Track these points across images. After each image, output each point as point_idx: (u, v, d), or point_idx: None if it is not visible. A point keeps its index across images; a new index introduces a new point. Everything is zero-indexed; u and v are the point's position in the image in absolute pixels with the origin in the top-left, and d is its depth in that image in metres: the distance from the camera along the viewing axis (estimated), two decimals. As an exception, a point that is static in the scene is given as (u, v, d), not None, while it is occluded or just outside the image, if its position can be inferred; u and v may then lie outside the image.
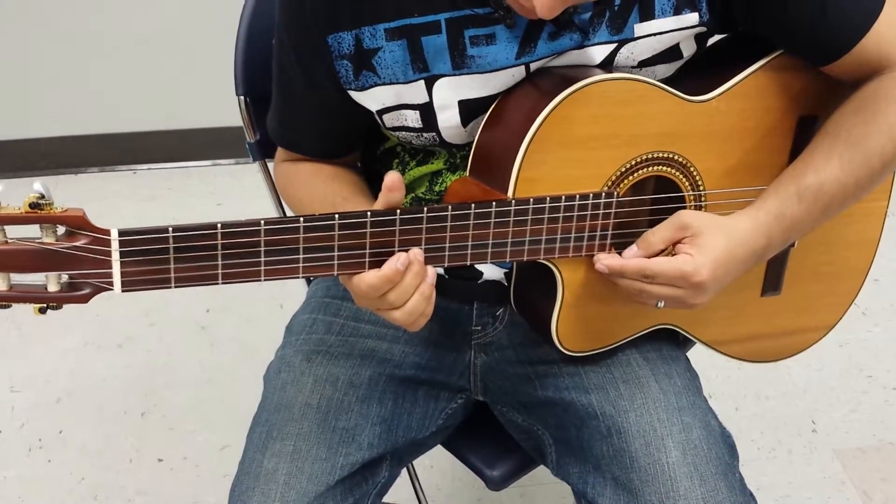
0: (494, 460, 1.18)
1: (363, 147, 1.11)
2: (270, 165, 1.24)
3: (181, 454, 1.80)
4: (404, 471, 1.24)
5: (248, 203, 2.49)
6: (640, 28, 0.93)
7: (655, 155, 0.94)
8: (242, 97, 1.22)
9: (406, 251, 0.87)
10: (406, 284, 0.86)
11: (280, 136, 1.09)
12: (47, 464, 1.78)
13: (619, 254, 0.94)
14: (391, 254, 0.86)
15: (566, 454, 1.06)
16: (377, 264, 0.86)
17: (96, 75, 2.51)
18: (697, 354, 1.13)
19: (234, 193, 2.55)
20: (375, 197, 0.88)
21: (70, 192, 2.54)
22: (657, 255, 0.92)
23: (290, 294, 2.05)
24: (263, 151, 1.24)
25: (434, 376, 1.12)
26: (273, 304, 2.11)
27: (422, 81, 0.95)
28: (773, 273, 1.06)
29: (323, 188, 1.04)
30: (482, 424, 1.19)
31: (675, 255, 0.91)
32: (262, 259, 0.83)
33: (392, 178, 0.85)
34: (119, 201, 2.52)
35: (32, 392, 1.93)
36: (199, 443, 1.83)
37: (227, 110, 1.37)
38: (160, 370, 1.99)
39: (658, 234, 0.92)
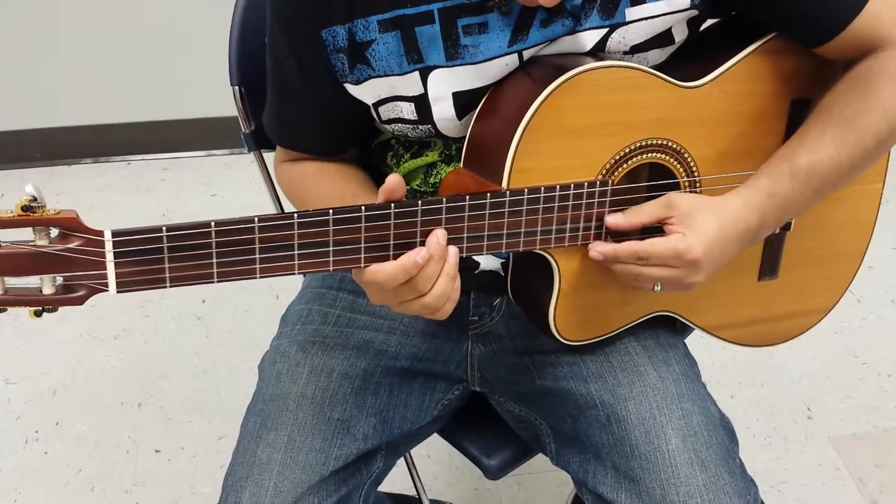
0: (492, 449, 1.18)
1: (357, 142, 1.11)
2: (266, 155, 1.24)
3: (178, 445, 1.80)
4: (402, 459, 1.24)
5: (242, 194, 2.49)
6: (632, 12, 0.93)
7: (649, 142, 0.94)
8: (237, 87, 1.21)
9: (415, 244, 0.86)
10: (431, 268, 0.85)
11: (278, 136, 1.08)
12: (44, 456, 1.78)
13: (615, 242, 0.94)
14: (386, 248, 0.86)
15: (565, 443, 1.06)
16: (373, 259, 0.86)
17: (90, 66, 2.50)
18: (692, 342, 1.13)
19: (229, 184, 2.54)
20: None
21: (64, 183, 2.54)
22: (639, 227, 0.92)
23: (285, 285, 2.03)
24: (258, 142, 1.23)
25: (430, 367, 1.12)
26: (269, 294, 2.11)
27: (416, 73, 0.95)
28: (770, 257, 1.06)
29: (330, 187, 1.04)
30: (480, 413, 1.19)
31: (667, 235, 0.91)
32: (258, 256, 0.82)
33: (393, 181, 0.84)
34: (113, 193, 2.51)
35: (28, 384, 1.93)
36: (196, 433, 1.83)
37: (221, 101, 1.36)
38: (156, 361, 1.99)
39: (645, 208, 0.92)
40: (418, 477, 1.36)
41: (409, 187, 1.07)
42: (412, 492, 1.39)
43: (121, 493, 1.71)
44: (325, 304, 1.12)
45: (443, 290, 0.87)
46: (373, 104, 0.99)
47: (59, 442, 1.80)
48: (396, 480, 1.17)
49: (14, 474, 1.74)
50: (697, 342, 1.14)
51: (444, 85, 0.95)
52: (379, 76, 0.96)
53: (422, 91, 0.96)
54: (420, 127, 0.99)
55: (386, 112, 0.99)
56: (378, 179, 1.09)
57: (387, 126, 1.01)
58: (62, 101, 2.54)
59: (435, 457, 1.77)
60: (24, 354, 2.00)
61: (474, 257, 1.06)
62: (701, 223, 0.90)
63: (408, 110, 0.97)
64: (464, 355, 1.13)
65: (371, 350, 1.08)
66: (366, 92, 0.98)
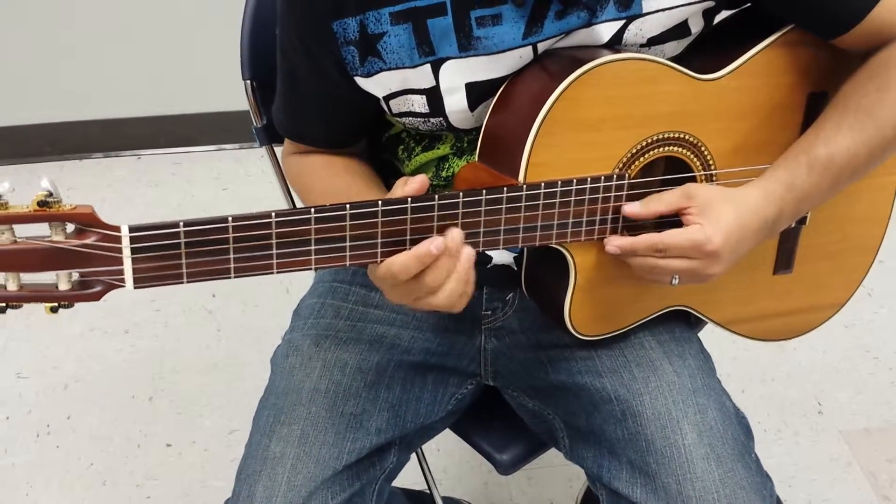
0: (504, 444, 1.17)
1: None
2: (277, 150, 1.24)
3: (189, 439, 1.81)
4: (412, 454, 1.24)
5: (253, 188, 2.49)
6: (648, 4, 0.92)
7: (666, 135, 0.94)
8: (248, 81, 1.21)
9: (432, 235, 0.85)
10: (440, 265, 0.85)
11: (286, 128, 1.08)
12: (56, 450, 1.78)
13: (631, 236, 0.93)
14: (403, 242, 0.86)
15: (579, 438, 1.06)
16: (389, 254, 0.85)
17: (100, 60, 2.50)
18: (703, 337, 1.12)
19: (240, 178, 2.54)
20: (386, 187, 0.87)
21: (74, 177, 2.54)
22: (658, 216, 0.92)
23: (296, 279, 2.04)
24: (270, 136, 1.23)
25: (444, 361, 1.11)
26: (279, 288, 2.11)
27: (428, 65, 0.94)
28: (785, 251, 1.06)
29: (336, 182, 1.03)
30: (491, 408, 1.19)
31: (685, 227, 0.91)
32: (274, 252, 0.82)
33: (419, 182, 0.84)
34: (124, 187, 2.52)
35: (40, 378, 1.93)
36: (207, 427, 1.83)
37: (232, 95, 1.36)
38: (167, 355, 1.99)
39: (663, 198, 0.92)
40: (429, 471, 1.36)
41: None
42: (422, 485, 1.39)
43: (132, 486, 1.71)
44: (338, 298, 1.12)
45: (454, 289, 0.86)
46: (383, 97, 0.98)
47: (70, 436, 1.81)
48: (406, 474, 1.16)
49: (26, 468, 1.74)
50: (707, 336, 1.13)
51: (458, 76, 0.94)
52: (390, 69, 0.95)
53: (433, 83, 0.95)
54: (431, 120, 0.98)
55: (397, 105, 0.98)
56: (389, 173, 1.09)
57: (398, 119, 1.01)
58: (73, 95, 2.54)
59: (445, 451, 1.77)
60: (36, 349, 2.00)
61: (487, 251, 1.06)
62: (719, 214, 0.90)
63: (419, 103, 0.97)
64: (477, 350, 1.12)
65: (384, 344, 1.08)
66: (376, 85, 0.97)
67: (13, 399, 1.88)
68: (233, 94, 1.31)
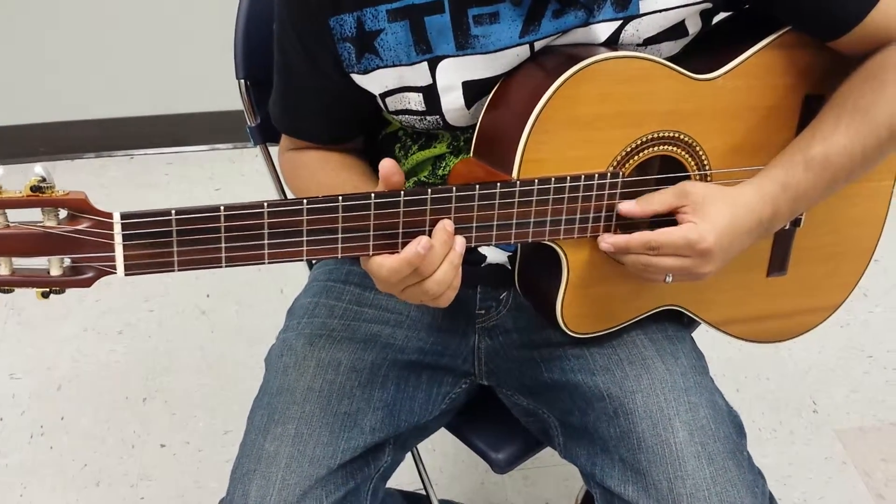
0: (500, 443, 1.17)
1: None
2: (271, 150, 1.23)
3: (183, 439, 1.80)
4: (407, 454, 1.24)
5: (247, 188, 2.48)
6: (645, 4, 0.92)
7: (661, 134, 0.94)
8: (242, 80, 1.21)
9: (423, 233, 0.86)
10: (435, 254, 0.85)
11: (283, 123, 1.08)
12: (49, 450, 1.78)
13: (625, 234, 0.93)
14: (395, 235, 0.86)
15: (573, 437, 1.06)
16: (381, 247, 0.86)
17: (93, 60, 2.50)
18: (698, 336, 1.13)
19: (233, 178, 2.54)
20: None
21: (67, 177, 2.51)
22: (653, 215, 0.92)
23: (290, 279, 2.04)
24: (264, 135, 1.23)
25: (438, 361, 1.11)
26: (274, 288, 2.10)
27: (425, 63, 0.94)
28: (779, 253, 1.06)
29: (332, 177, 1.03)
30: (486, 407, 1.19)
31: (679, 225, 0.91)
32: (266, 242, 0.82)
33: (386, 167, 0.84)
34: (117, 187, 2.51)
35: (33, 379, 1.93)
36: (201, 428, 1.83)
37: (225, 94, 1.36)
38: (161, 356, 1.99)
39: (658, 196, 0.92)
40: (425, 471, 1.36)
41: (416, 179, 1.07)
42: (417, 485, 1.38)
43: (126, 487, 1.71)
44: (332, 298, 1.12)
45: (444, 277, 0.86)
46: (380, 94, 0.98)
47: (64, 436, 1.80)
48: (402, 475, 1.16)
49: (20, 469, 1.74)
50: (703, 335, 1.13)
51: (454, 74, 0.94)
52: (387, 66, 0.95)
53: (430, 81, 0.95)
54: (427, 118, 0.98)
55: (393, 103, 0.98)
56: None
57: (394, 117, 1.01)
58: (65, 95, 2.54)
59: (440, 451, 1.77)
60: (29, 349, 1.99)
61: (481, 250, 1.06)
62: (713, 212, 0.90)
63: (416, 101, 0.97)
64: (471, 349, 1.12)
65: (378, 343, 1.08)
66: (373, 82, 0.97)
67: (6, 400, 1.88)
68: (226, 94, 1.31)
